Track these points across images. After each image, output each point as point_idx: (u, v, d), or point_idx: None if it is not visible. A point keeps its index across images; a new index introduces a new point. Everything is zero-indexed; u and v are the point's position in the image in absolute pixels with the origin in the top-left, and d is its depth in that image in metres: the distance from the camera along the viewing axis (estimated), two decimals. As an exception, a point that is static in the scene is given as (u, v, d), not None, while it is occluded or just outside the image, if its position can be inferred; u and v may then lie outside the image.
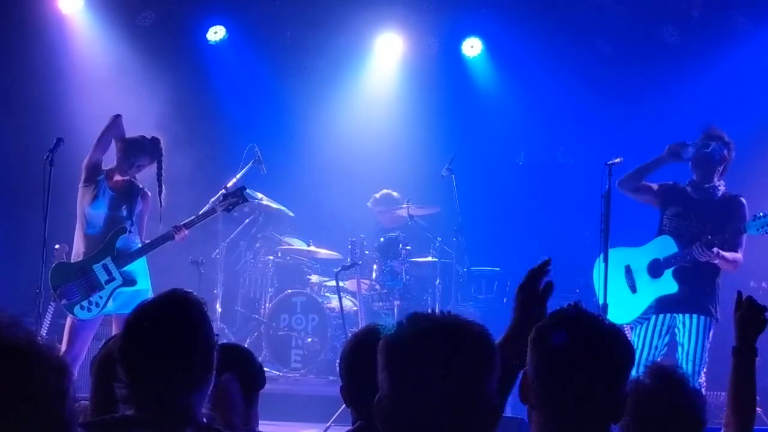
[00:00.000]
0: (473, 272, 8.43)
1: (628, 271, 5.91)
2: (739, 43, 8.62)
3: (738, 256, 5.68)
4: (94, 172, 5.91)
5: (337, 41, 9.29)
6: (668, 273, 5.66)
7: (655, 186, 5.97)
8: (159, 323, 2.22)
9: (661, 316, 5.68)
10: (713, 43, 8.67)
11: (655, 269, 5.72)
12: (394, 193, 8.71)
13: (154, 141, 6.02)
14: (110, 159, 6.07)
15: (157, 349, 2.18)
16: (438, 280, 8.07)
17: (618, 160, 5.72)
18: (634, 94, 8.76)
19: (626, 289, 5.84)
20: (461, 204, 7.95)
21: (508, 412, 7.12)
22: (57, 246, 6.20)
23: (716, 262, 5.57)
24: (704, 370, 5.59)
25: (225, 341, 7.66)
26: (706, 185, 5.79)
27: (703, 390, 5.40)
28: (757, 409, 7.17)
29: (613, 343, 2.03)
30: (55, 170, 5.76)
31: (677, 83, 8.65)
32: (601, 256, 5.84)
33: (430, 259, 8.26)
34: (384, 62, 9.58)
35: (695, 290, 5.64)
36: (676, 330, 5.66)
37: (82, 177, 5.94)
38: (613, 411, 2.00)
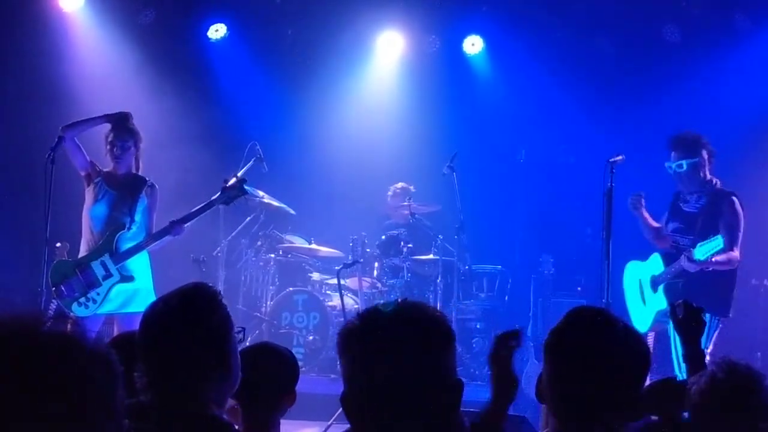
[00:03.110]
0: (475, 270, 8.43)
1: (640, 284, 6.17)
2: (740, 42, 8.62)
3: (732, 254, 5.87)
4: (89, 174, 5.93)
5: (338, 39, 9.28)
6: (660, 289, 5.93)
7: (666, 215, 6.24)
8: (165, 315, 2.30)
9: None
10: (714, 41, 8.67)
11: (654, 285, 6.00)
12: (412, 188, 8.71)
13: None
14: (103, 160, 6.07)
15: (164, 339, 2.26)
16: (439, 278, 8.07)
17: (619, 157, 5.73)
18: (635, 92, 8.76)
19: (640, 301, 6.12)
20: (463, 202, 7.95)
21: (509, 410, 7.13)
22: (58, 244, 6.20)
23: (711, 268, 5.73)
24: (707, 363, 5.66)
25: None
26: (693, 194, 6.02)
27: None
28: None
29: (628, 344, 2.03)
30: (56, 168, 5.76)
31: (678, 81, 8.64)
32: (628, 265, 6.26)
33: (431, 257, 8.26)
34: (385, 60, 9.58)
35: (701, 296, 5.70)
36: None
37: (84, 182, 5.97)
38: (629, 412, 2.00)
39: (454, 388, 1.78)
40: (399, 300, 1.87)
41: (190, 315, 2.29)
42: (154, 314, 2.31)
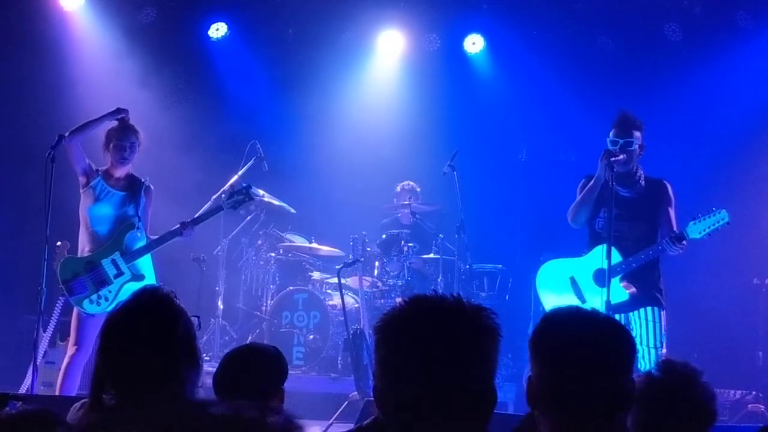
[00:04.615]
0: (475, 269, 8.40)
1: (573, 282, 5.84)
2: (742, 41, 8.60)
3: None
4: (88, 176, 5.91)
5: (339, 38, 9.28)
6: (615, 281, 5.54)
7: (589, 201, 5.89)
8: (134, 328, 2.28)
9: (616, 316, 5.65)
10: (716, 40, 8.65)
11: (601, 279, 5.59)
12: (418, 188, 8.68)
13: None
14: (98, 159, 6.06)
15: (140, 351, 2.25)
16: (440, 277, 8.05)
17: (621, 156, 5.68)
18: (637, 91, 8.74)
19: (575, 300, 5.75)
20: (463, 201, 7.93)
21: (510, 409, 7.13)
22: (58, 243, 6.20)
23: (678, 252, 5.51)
24: (663, 354, 5.62)
25: (227, 337, 7.52)
26: (631, 177, 5.72)
27: None
28: (760, 406, 7.18)
29: (612, 334, 2.03)
30: (56, 167, 5.75)
31: (679, 80, 8.63)
32: (545, 266, 6.02)
33: (432, 256, 8.24)
34: (386, 59, 9.56)
35: (642, 288, 5.65)
36: (632, 326, 5.63)
37: (81, 183, 5.94)
38: (620, 402, 2.00)
39: (485, 395, 1.75)
40: (455, 295, 1.83)
41: (164, 322, 2.28)
42: (122, 329, 2.29)
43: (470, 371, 1.71)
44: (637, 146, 5.68)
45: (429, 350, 1.70)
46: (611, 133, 5.72)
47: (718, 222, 5.38)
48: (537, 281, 6.05)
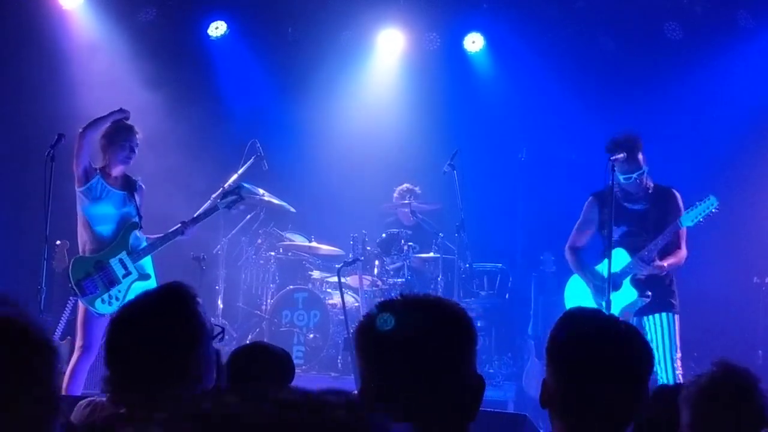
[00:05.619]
0: (475, 268, 8.41)
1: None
2: (742, 41, 8.60)
3: (682, 253, 5.79)
4: (88, 174, 5.90)
5: (338, 37, 9.28)
6: (626, 282, 5.76)
7: (591, 225, 6.07)
8: (140, 319, 2.24)
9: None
10: (716, 39, 8.65)
11: (615, 282, 5.74)
12: (417, 189, 8.68)
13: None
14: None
15: (140, 344, 2.20)
16: (440, 276, 8.05)
17: (621, 155, 5.69)
18: (637, 90, 8.74)
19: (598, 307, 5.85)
20: (463, 200, 7.92)
21: (510, 408, 7.13)
22: (58, 242, 6.19)
23: (665, 267, 5.68)
24: (678, 359, 5.67)
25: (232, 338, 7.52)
26: (640, 190, 5.87)
27: (680, 378, 5.51)
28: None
29: (627, 339, 2.03)
30: (56, 166, 5.74)
31: (680, 79, 8.63)
32: (570, 281, 6.17)
33: (432, 255, 8.24)
34: (386, 58, 9.56)
35: (655, 293, 5.78)
36: (646, 330, 5.75)
37: (78, 182, 5.92)
38: (633, 410, 2.00)
39: (474, 388, 1.76)
40: (417, 293, 1.85)
41: (166, 319, 2.22)
42: (126, 320, 2.26)
43: (443, 372, 1.72)
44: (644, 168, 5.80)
45: (396, 355, 1.71)
46: (619, 167, 5.70)
47: (708, 208, 5.59)
48: (565, 297, 6.21)
